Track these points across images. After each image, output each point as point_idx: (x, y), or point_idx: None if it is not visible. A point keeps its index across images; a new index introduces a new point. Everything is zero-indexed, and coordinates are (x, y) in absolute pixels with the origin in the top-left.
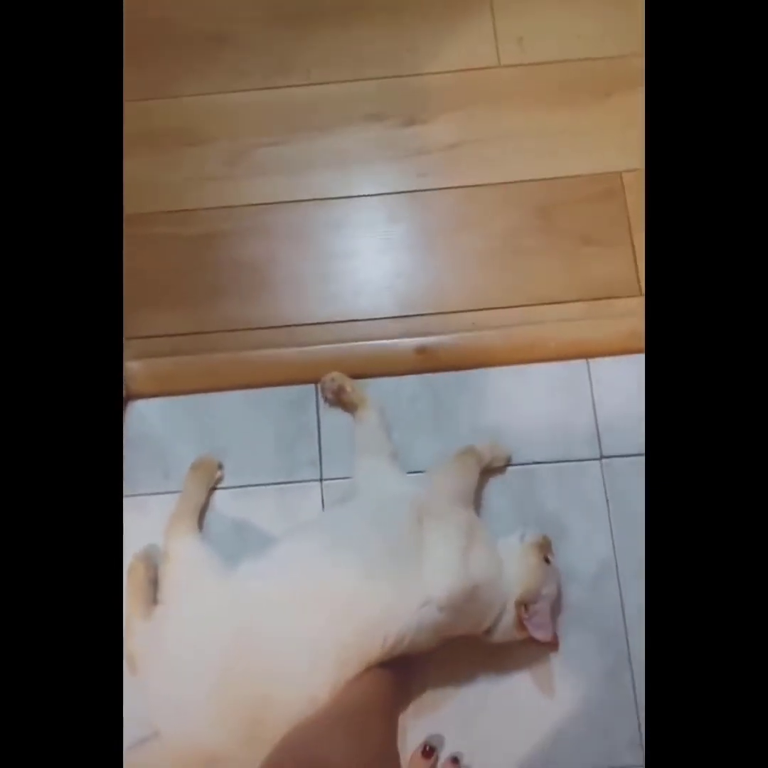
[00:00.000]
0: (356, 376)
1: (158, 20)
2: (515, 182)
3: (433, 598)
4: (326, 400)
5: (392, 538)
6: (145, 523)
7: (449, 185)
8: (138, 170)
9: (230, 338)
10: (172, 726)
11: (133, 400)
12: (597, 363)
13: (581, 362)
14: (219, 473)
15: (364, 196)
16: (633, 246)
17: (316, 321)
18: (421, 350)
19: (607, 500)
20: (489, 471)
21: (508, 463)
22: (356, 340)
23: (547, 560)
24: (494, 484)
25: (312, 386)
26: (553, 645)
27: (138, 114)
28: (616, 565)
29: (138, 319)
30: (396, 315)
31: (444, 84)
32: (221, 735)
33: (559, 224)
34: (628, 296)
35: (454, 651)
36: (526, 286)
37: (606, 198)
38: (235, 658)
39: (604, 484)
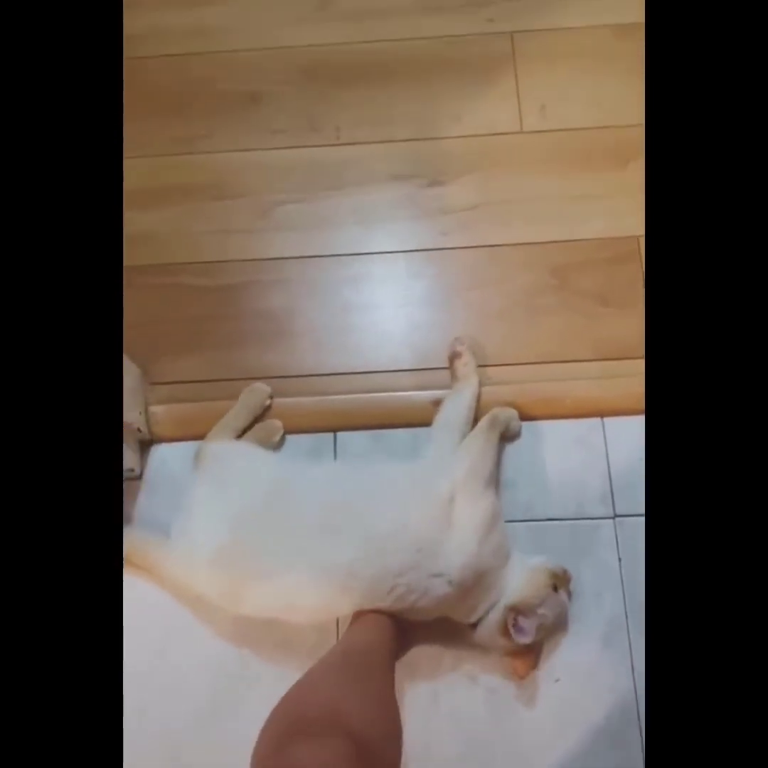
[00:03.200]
0: (373, 427)
1: (199, 79)
2: (533, 243)
3: (446, 572)
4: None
5: (427, 506)
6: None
7: (469, 244)
8: (167, 222)
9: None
10: (183, 546)
11: (155, 444)
12: (611, 421)
13: (596, 420)
14: (268, 402)
15: (386, 252)
16: None
17: (334, 371)
18: (438, 403)
19: (620, 559)
20: (504, 438)
21: (519, 434)
22: (374, 391)
23: (555, 588)
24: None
25: (330, 435)
26: (529, 660)
27: (173, 168)
28: (627, 624)
29: (162, 366)
30: (413, 368)
31: (467, 147)
32: (211, 580)
33: (575, 285)
34: (642, 357)
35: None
36: (541, 344)
37: (622, 261)
38: (248, 537)
39: (617, 543)
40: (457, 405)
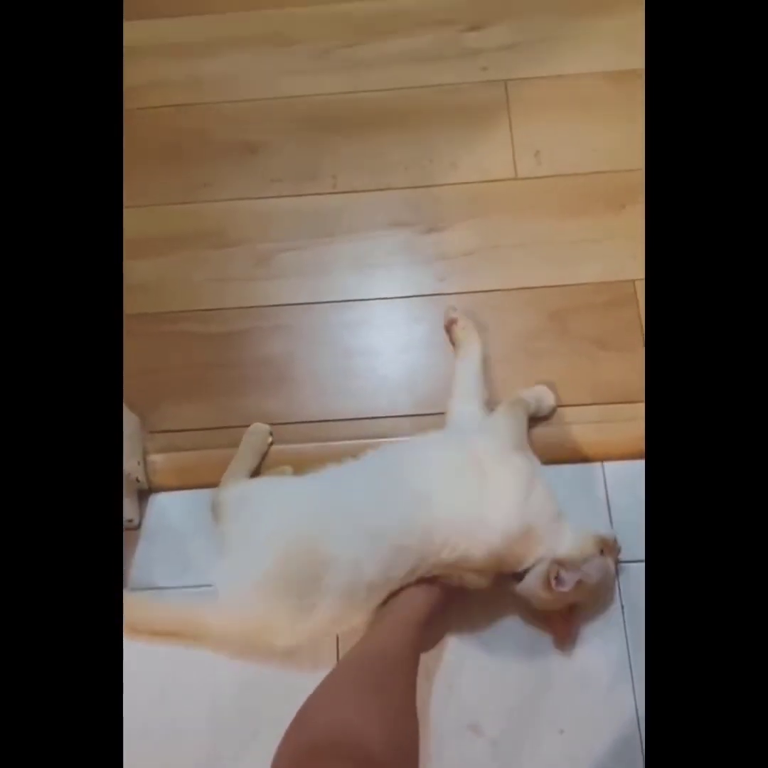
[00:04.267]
0: None
1: (197, 129)
2: (531, 288)
3: (492, 529)
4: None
5: (462, 469)
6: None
7: (466, 290)
8: (167, 270)
9: None
10: (232, 588)
11: (154, 493)
12: (612, 466)
13: (596, 465)
14: (270, 439)
15: (384, 298)
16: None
17: (335, 417)
18: None
19: (622, 606)
20: (536, 420)
21: (553, 412)
22: (375, 437)
23: (602, 552)
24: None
25: None
26: (567, 624)
27: (172, 217)
28: (631, 673)
29: (161, 414)
30: (414, 413)
31: (463, 194)
32: (272, 599)
33: (574, 329)
34: (642, 401)
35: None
36: None
37: (620, 305)
38: (301, 535)
39: (620, 590)
40: (466, 370)
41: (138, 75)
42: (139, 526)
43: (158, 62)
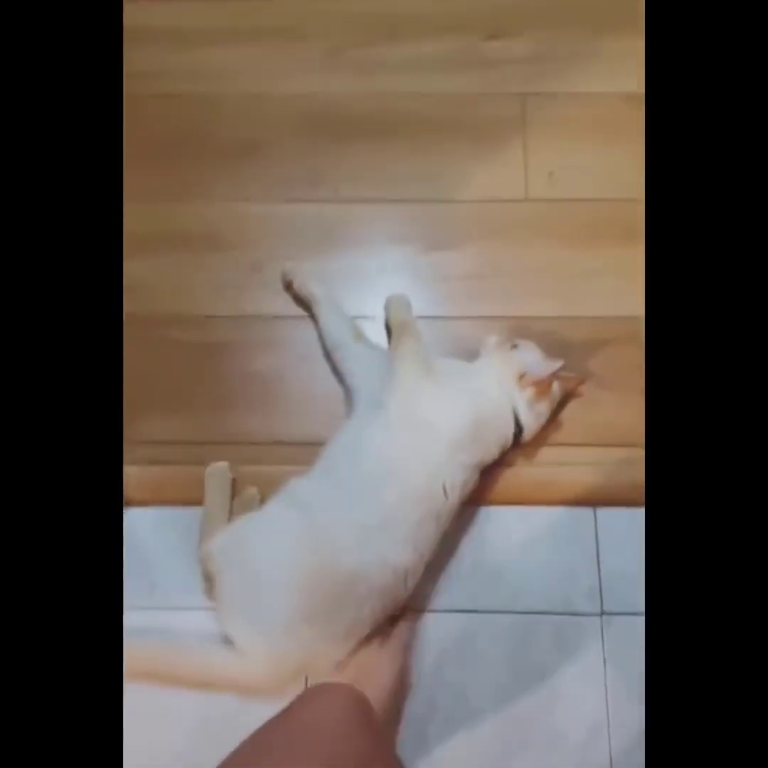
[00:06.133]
0: None
1: (193, 126)
2: (530, 317)
3: (453, 445)
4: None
5: (403, 425)
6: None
7: (465, 314)
8: (157, 272)
9: (231, 451)
10: (260, 641)
11: (125, 507)
12: (604, 512)
13: (587, 510)
14: (231, 475)
15: (380, 317)
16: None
17: (319, 440)
18: None
19: (605, 660)
20: None
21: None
22: None
23: (512, 347)
24: (488, 632)
25: None
26: (570, 382)
27: (165, 216)
28: (609, 732)
29: (138, 424)
30: None
31: (469, 213)
32: (309, 636)
33: (573, 364)
34: (639, 445)
35: None
36: None
37: (623, 343)
38: (309, 558)
39: (603, 643)
40: (327, 322)
41: (133, 61)
42: None
43: (156, 49)
